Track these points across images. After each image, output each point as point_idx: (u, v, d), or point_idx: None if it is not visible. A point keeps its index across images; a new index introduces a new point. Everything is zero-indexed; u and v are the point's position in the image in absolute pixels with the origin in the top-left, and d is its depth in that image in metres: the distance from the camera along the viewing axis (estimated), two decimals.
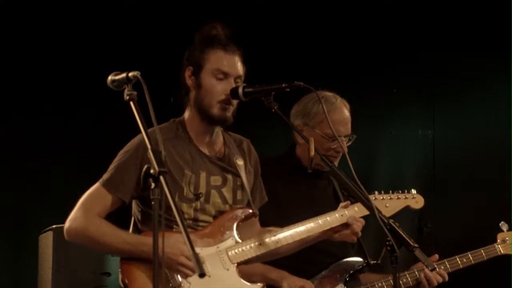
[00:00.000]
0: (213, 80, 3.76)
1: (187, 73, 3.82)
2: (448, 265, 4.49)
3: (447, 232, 6.28)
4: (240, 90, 3.72)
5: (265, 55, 5.91)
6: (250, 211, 3.86)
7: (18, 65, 5.83)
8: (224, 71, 3.76)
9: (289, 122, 3.96)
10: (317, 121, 4.43)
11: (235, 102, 3.77)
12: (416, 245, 3.51)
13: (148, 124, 3.03)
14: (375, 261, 4.36)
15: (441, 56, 6.46)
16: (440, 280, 4.44)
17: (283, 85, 3.70)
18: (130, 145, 3.74)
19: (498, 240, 4.64)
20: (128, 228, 3.81)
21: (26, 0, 5.87)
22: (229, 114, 3.77)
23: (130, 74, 3.12)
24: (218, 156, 3.87)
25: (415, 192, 4.35)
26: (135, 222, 3.81)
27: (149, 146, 2.95)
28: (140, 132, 3.03)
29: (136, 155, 3.67)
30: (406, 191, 4.33)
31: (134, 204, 3.80)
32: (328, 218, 3.94)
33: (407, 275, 4.42)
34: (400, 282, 4.38)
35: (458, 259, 4.51)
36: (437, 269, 4.41)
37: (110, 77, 3.18)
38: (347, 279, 4.39)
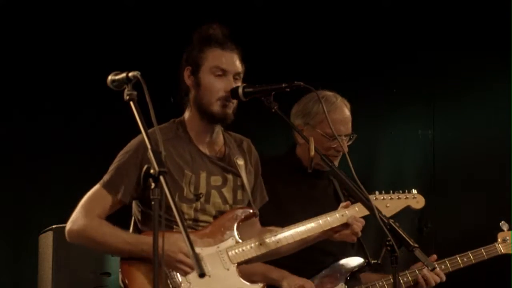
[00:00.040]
0: (211, 77, 3.76)
1: (186, 73, 3.82)
2: (448, 265, 4.49)
3: (447, 232, 6.28)
4: (240, 90, 3.72)
5: (265, 55, 5.91)
6: (251, 211, 3.86)
7: (18, 65, 5.83)
8: (222, 68, 3.76)
9: (289, 122, 3.96)
10: (317, 121, 4.43)
11: (234, 101, 3.77)
12: (416, 245, 3.51)
13: (148, 124, 3.03)
14: (376, 261, 4.36)
15: (441, 56, 6.46)
16: (438, 280, 4.43)
17: (283, 85, 3.70)
18: (130, 146, 3.74)
19: (499, 240, 4.65)
20: (128, 229, 3.81)
21: (26, 0, 5.87)
22: (229, 111, 3.76)
23: (130, 74, 3.12)
24: (219, 156, 3.86)
25: (415, 192, 4.35)
26: (135, 223, 3.81)
27: (149, 146, 2.95)
28: (140, 132, 3.03)
29: (136, 155, 3.67)
30: (406, 191, 4.33)
31: (134, 205, 3.80)
32: (328, 218, 3.93)
33: (408, 274, 4.42)
34: (401, 281, 4.38)
35: (458, 258, 4.52)
36: (437, 268, 4.41)
37: (110, 77, 3.18)
38: (348, 278, 4.39)
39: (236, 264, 3.72)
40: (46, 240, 4.99)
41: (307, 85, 3.75)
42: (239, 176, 3.86)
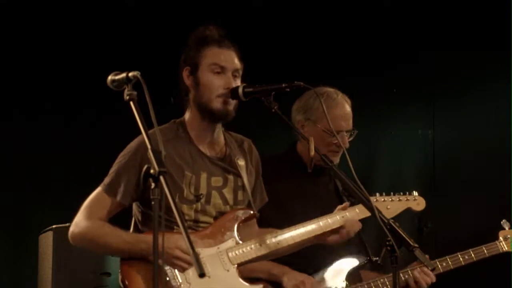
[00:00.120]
0: (210, 75, 3.76)
1: (185, 74, 3.82)
2: (450, 262, 4.49)
3: (447, 232, 6.28)
4: (240, 90, 3.72)
5: (265, 55, 5.92)
6: (251, 212, 3.85)
7: (18, 65, 5.84)
8: (221, 65, 3.76)
9: (289, 123, 3.95)
10: (318, 116, 4.43)
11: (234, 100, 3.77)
12: (416, 245, 3.50)
13: (148, 124, 3.03)
14: (377, 258, 4.36)
15: (441, 56, 6.46)
16: (429, 281, 4.42)
17: (283, 85, 3.70)
18: (129, 148, 3.74)
19: (500, 238, 4.66)
20: (129, 229, 3.81)
21: (26, 0, 5.87)
22: (230, 107, 3.75)
23: (130, 74, 3.12)
24: (219, 157, 3.86)
25: (416, 194, 4.35)
26: (135, 223, 3.81)
27: (149, 146, 2.95)
28: (140, 132, 3.03)
29: (135, 157, 3.67)
30: (407, 193, 4.33)
31: (134, 205, 3.80)
32: (329, 219, 3.93)
33: (409, 271, 4.42)
34: (403, 278, 4.37)
35: (460, 256, 4.52)
36: (439, 265, 4.41)
37: (110, 77, 3.18)
38: (349, 275, 4.38)
39: (236, 265, 3.71)
40: (46, 240, 5.00)
41: (307, 85, 3.75)
42: (240, 176, 3.86)
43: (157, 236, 2.87)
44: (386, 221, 3.53)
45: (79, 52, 5.89)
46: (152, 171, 2.89)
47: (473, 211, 6.32)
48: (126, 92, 3.10)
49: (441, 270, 4.48)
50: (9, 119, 5.83)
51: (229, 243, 3.74)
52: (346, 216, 3.96)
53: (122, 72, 3.15)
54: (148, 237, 3.53)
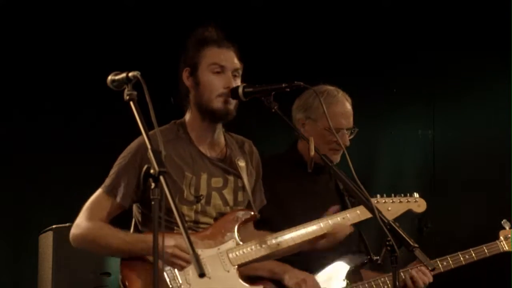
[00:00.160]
0: (210, 75, 3.76)
1: (185, 75, 3.81)
2: (451, 261, 4.49)
3: (447, 232, 6.27)
4: (240, 90, 3.71)
5: (265, 55, 5.92)
6: (252, 213, 3.85)
7: (18, 65, 5.84)
8: (220, 65, 3.75)
9: (289, 123, 3.95)
10: (318, 115, 4.43)
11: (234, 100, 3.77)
12: (416, 245, 3.50)
13: (148, 124, 3.03)
14: (377, 257, 4.36)
15: (441, 56, 6.45)
16: (426, 281, 4.42)
17: (283, 85, 3.70)
18: (129, 149, 3.74)
19: (501, 237, 4.66)
20: (129, 231, 3.81)
21: (26, 0, 5.87)
22: (231, 107, 3.75)
23: (130, 74, 3.11)
24: (220, 157, 3.85)
25: (417, 195, 4.35)
26: (135, 225, 3.81)
27: (149, 146, 2.94)
28: (140, 132, 3.03)
29: (135, 158, 3.67)
30: (408, 194, 4.33)
31: (134, 207, 3.80)
32: (329, 221, 3.94)
33: (408, 270, 4.42)
34: (403, 276, 4.37)
35: (460, 255, 4.52)
36: (439, 265, 4.42)
37: (110, 77, 3.18)
38: (350, 274, 4.38)
39: (236, 266, 3.71)
40: (46, 240, 5.00)
41: (307, 85, 3.75)
42: (240, 177, 3.85)
43: (157, 236, 2.87)
44: (386, 221, 3.53)
45: (79, 52, 5.89)
46: (152, 171, 2.88)
47: (473, 211, 6.32)
48: (126, 92, 3.10)
49: (442, 270, 4.48)
50: (9, 119, 5.83)
51: (230, 244, 3.74)
52: (347, 218, 3.96)
53: (122, 72, 3.15)
54: (147, 237, 3.53)
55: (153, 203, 2.87)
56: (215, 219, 3.79)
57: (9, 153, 5.78)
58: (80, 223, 3.70)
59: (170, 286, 3.57)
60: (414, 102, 6.59)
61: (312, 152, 3.74)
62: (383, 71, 6.42)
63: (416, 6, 6.40)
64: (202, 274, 2.73)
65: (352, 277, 4.39)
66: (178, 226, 2.86)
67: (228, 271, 3.69)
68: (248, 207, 3.88)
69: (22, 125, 5.85)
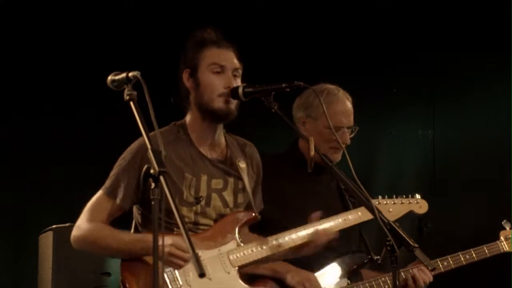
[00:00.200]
0: (210, 75, 3.75)
1: (185, 76, 3.81)
2: (451, 262, 4.48)
3: (447, 232, 6.28)
4: (240, 90, 3.71)
5: (265, 55, 5.92)
6: (252, 214, 3.84)
7: (18, 65, 5.84)
8: (220, 64, 3.75)
9: (289, 122, 3.95)
10: (319, 113, 4.43)
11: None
12: (416, 245, 3.50)
13: (148, 124, 3.03)
14: (378, 257, 4.36)
15: (441, 56, 6.46)
16: (427, 280, 4.42)
17: (283, 85, 3.69)
18: (129, 150, 3.73)
19: (501, 238, 4.65)
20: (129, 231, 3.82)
21: (26, 0, 5.87)
22: (232, 106, 3.74)
23: (130, 74, 3.11)
24: (220, 159, 3.85)
25: (419, 197, 4.35)
26: (135, 226, 3.81)
27: (149, 146, 2.94)
28: (140, 132, 3.03)
29: (135, 160, 3.67)
30: (410, 195, 4.33)
31: (134, 208, 3.79)
32: (331, 222, 3.94)
33: (409, 269, 4.42)
34: (403, 276, 4.37)
35: (461, 255, 4.51)
36: (440, 265, 4.41)
37: (110, 77, 3.18)
38: (350, 273, 4.38)
39: (237, 268, 3.71)
40: (46, 240, 5.00)
41: (307, 85, 3.75)
42: (241, 179, 3.85)
43: (157, 237, 2.86)
44: (386, 221, 3.52)
45: (79, 52, 5.89)
46: (152, 171, 2.88)
47: (473, 211, 6.32)
48: (126, 92, 3.10)
49: (442, 270, 4.47)
50: (9, 119, 5.83)
51: (230, 245, 3.73)
52: (348, 219, 3.97)
53: (122, 72, 3.15)
54: (146, 236, 3.54)
55: (153, 203, 2.87)
56: (215, 220, 3.78)
57: (9, 153, 5.78)
58: (81, 225, 3.70)
59: (170, 287, 3.57)
60: (414, 102, 6.59)
61: (312, 152, 3.74)
62: (383, 71, 6.42)
63: (416, 6, 6.40)
64: (202, 274, 2.73)
65: (353, 276, 4.39)
66: (178, 228, 2.86)
67: (229, 273, 3.69)
68: (248, 208, 3.87)
69: (22, 125, 5.85)
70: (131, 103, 3.06)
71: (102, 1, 5.97)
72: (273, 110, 3.69)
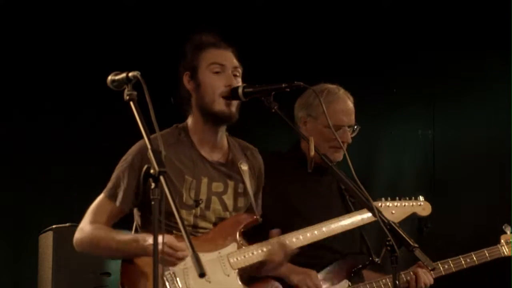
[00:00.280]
0: (210, 75, 3.75)
1: (185, 79, 3.81)
2: (452, 265, 4.48)
3: (447, 232, 6.27)
4: (240, 90, 3.71)
5: (265, 55, 5.92)
6: (254, 217, 3.84)
7: (18, 65, 5.84)
8: (220, 63, 3.76)
9: (289, 122, 3.95)
10: (319, 112, 4.42)
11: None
12: (416, 245, 3.50)
13: (148, 124, 3.03)
14: (379, 258, 4.36)
15: (441, 56, 6.45)
16: (427, 282, 4.42)
17: (283, 85, 3.69)
18: (130, 152, 3.73)
19: (502, 241, 4.65)
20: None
21: (26, 0, 5.87)
22: (233, 108, 3.74)
23: (130, 74, 3.11)
24: (221, 162, 3.83)
25: (422, 198, 4.35)
26: (136, 228, 3.81)
27: (149, 146, 2.94)
28: (140, 133, 3.03)
29: (135, 161, 3.67)
30: (413, 197, 4.33)
31: (135, 209, 3.79)
32: (332, 225, 3.94)
33: (412, 270, 4.42)
34: (404, 279, 4.37)
35: (462, 259, 4.51)
36: (441, 268, 4.41)
37: (110, 77, 3.18)
38: (351, 275, 4.38)
39: (237, 270, 3.70)
40: (46, 240, 5.00)
41: (307, 85, 3.75)
42: (242, 182, 3.84)
43: (157, 237, 2.86)
44: (386, 221, 3.52)
45: (79, 52, 5.89)
46: (152, 171, 2.88)
47: (473, 211, 6.32)
48: (126, 92, 3.10)
49: (443, 273, 4.47)
50: (9, 119, 5.83)
51: (231, 248, 3.73)
52: (350, 222, 3.98)
53: (122, 72, 3.15)
54: (139, 236, 3.55)
55: (153, 203, 2.87)
56: (214, 224, 3.77)
57: (9, 153, 5.78)
58: (84, 227, 3.71)
59: None
60: (414, 102, 6.58)
61: (312, 152, 3.73)
62: (383, 71, 6.42)
63: (416, 6, 6.40)
64: (202, 274, 2.72)
65: (354, 278, 4.39)
66: (177, 230, 2.86)
67: (228, 275, 3.68)
68: (249, 211, 3.86)
69: (22, 125, 5.86)
70: (131, 103, 3.06)
71: (102, 1, 5.97)
72: (273, 110, 3.69)
